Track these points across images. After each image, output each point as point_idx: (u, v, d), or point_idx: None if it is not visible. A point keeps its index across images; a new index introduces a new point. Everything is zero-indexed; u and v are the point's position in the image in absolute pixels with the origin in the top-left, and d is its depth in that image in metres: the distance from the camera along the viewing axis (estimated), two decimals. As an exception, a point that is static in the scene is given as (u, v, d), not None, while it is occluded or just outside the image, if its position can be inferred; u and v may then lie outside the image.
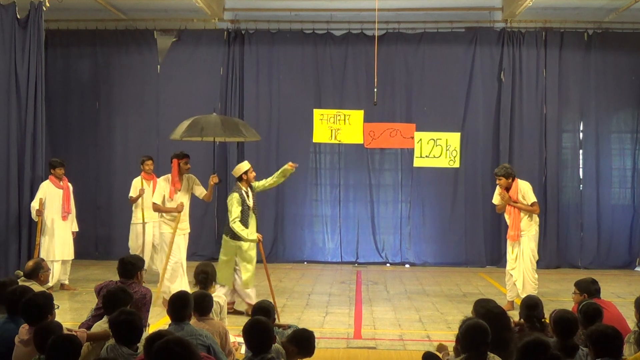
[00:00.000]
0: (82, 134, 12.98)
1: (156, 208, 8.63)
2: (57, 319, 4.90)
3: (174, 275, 8.49)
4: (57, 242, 9.64)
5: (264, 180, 8.54)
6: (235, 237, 8.10)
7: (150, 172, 10.51)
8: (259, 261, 8.40)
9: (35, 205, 9.52)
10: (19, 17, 10.22)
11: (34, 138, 10.24)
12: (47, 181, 9.71)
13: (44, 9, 10.31)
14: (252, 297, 8.20)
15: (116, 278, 5.88)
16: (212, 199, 12.80)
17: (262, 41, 12.91)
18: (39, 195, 9.57)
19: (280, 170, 8.48)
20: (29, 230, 10.10)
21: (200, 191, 8.84)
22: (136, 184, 10.46)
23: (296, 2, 12.53)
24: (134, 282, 5.68)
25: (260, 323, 4.28)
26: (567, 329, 4.54)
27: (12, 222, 10.01)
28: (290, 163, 8.46)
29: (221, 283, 8.02)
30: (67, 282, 9.86)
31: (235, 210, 8.03)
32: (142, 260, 5.99)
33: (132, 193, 10.42)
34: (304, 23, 12.86)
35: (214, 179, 8.63)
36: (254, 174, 8.35)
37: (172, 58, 12.96)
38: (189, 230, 8.88)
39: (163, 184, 8.65)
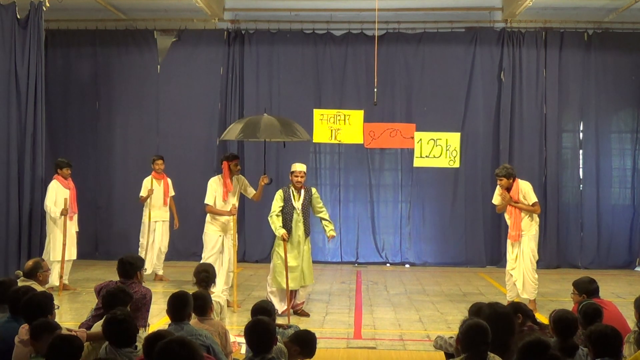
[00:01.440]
0: (82, 134, 12.98)
1: (209, 210, 8.65)
2: (57, 319, 4.90)
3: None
4: (68, 242, 9.64)
5: (323, 212, 8.53)
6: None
7: (160, 172, 10.69)
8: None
9: (49, 204, 9.52)
10: (19, 17, 10.20)
11: (34, 138, 10.23)
12: (55, 181, 9.72)
13: (44, 9, 10.29)
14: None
15: (116, 278, 5.87)
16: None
17: (262, 41, 12.91)
18: (51, 194, 9.58)
19: (326, 227, 8.50)
20: (29, 230, 10.10)
21: (250, 191, 8.92)
22: (146, 183, 10.62)
23: (296, 2, 12.53)
24: (133, 282, 5.67)
25: (263, 323, 4.27)
26: (567, 328, 4.54)
27: (12, 222, 10.00)
28: (331, 233, 8.47)
29: (277, 287, 8.18)
30: (67, 282, 9.86)
31: (273, 204, 8.24)
32: (141, 260, 5.98)
33: (143, 192, 10.57)
34: (304, 23, 12.86)
35: (264, 180, 8.74)
36: (297, 178, 8.28)
37: (172, 58, 12.96)
38: (233, 232, 8.91)
39: (214, 185, 8.69)
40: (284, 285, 8.08)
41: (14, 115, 10.13)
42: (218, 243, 8.64)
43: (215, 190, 8.66)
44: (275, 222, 8.16)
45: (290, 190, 8.33)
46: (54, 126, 12.54)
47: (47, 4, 10.30)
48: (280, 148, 12.78)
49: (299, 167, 8.39)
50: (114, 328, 4.23)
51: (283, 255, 8.11)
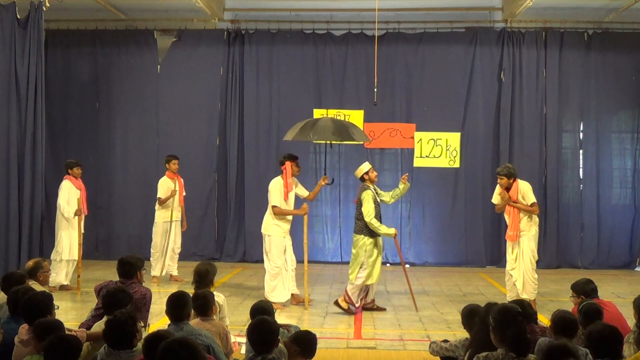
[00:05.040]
0: (82, 134, 12.98)
1: (279, 211, 8.71)
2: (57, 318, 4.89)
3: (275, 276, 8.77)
4: (78, 241, 9.62)
5: (387, 193, 8.81)
6: (373, 233, 8.38)
7: (175, 172, 10.60)
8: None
9: (63, 203, 9.51)
10: (19, 17, 10.20)
11: (34, 138, 10.23)
12: (67, 181, 9.72)
13: (44, 9, 10.30)
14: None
15: (116, 278, 5.87)
16: (214, 199, 12.90)
17: (262, 41, 12.91)
18: (64, 193, 9.56)
19: (401, 189, 8.80)
20: (29, 230, 10.09)
21: (302, 191, 9.02)
22: (165, 184, 10.52)
23: (296, 2, 12.53)
24: (133, 282, 5.67)
25: (266, 323, 4.28)
26: (567, 329, 4.54)
27: (12, 222, 10.00)
28: (404, 177, 8.87)
29: (374, 282, 8.47)
30: (67, 282, 9.82)
31: (370, 206, 8.32)
32: (141, 260, 5.95)
33: (160, 194, 10.45)
34: (304, 23, 12.85)
35: (324, 180, 8.88)
36: (375, 173, 8.66)
37: (172, 58, 12.95)
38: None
39: (278, 186, 8.77)
40: (375, 280, 8.48)
41: (14, 115, 10.13)
42: (283, 246, 8.77)
43: (280, 191, 8.73)
44: (382, 225, 8.38)
45: (372, 188, 8.51)
46: (54, 126, 12.53)
47: (47, 4, 10.30)
48: (279, 149, 12.82)
49: (367, 164, 8.73)
50: (112, 330, 4.23)
51: (398, 252, 8.69)
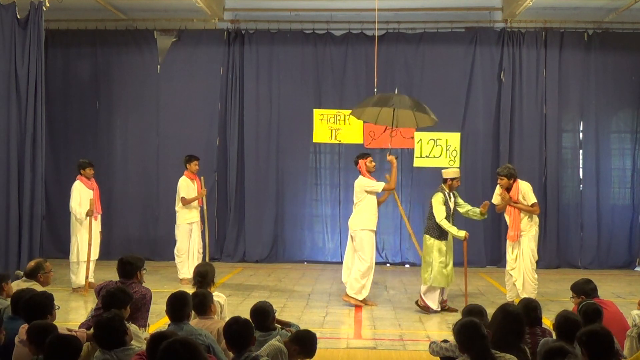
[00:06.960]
0: (82, 134, 12.98)
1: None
2: (58, 319, 4.90)
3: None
4: (93, 242, 9.59)
5: (467, 206, 8.85)
6: (441, 236, 8.45)
7: (195, 172, 10.53)
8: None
9: (74, 205, 9.47)
10: (19, 17, 10.19)
11: (34, 138, 10.22)
12: (78, 182, 9.65)
13: (44, 9, 10.29)
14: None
15: (116, 278, 5.87)
16: (214, 199, 12.89)
17: (262, 41, 12.91)
18: (75, 195, 9.51)
19: (479, 212, 8.77)
20: (29, 230, 10.09)
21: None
22: (186, 183, 10.43)
23: (296, 2, 12.54)
24: (133, 282, 5.66)
25: (239, 322, 4.32)
26: (570, 330, 4.53)
27: (12, 222, 9.99)
28: (485, 203, 8.75)
29: (439, 285, 8.46)
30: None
31: (441, 208, 8.44)
32: (141, 260, 5.92)
33: (184, 193, 10.35)
34: (304, 23, 12.86)
35: (392, 158, 8.98)
36: (458, 184, 8.77)
37: (172, 58, 12.95)
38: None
39: (368, 178, 8.97)
40: (446, 284, 8.50)
41: (14, 115, 10.12)
42: (375, 241, 8.98)
43: (372, 181, 8.94)
44: (453, 226, 8.47)
45: (446, 192, 8.60)
46: (54, 126, 12.54)
47: (47, 4, 10.29)
48: (279, 149, 12.83)
49: (457, 171, 8.86)
50: (101, 331, 4.23)
51: (464, 255, 8.59)
